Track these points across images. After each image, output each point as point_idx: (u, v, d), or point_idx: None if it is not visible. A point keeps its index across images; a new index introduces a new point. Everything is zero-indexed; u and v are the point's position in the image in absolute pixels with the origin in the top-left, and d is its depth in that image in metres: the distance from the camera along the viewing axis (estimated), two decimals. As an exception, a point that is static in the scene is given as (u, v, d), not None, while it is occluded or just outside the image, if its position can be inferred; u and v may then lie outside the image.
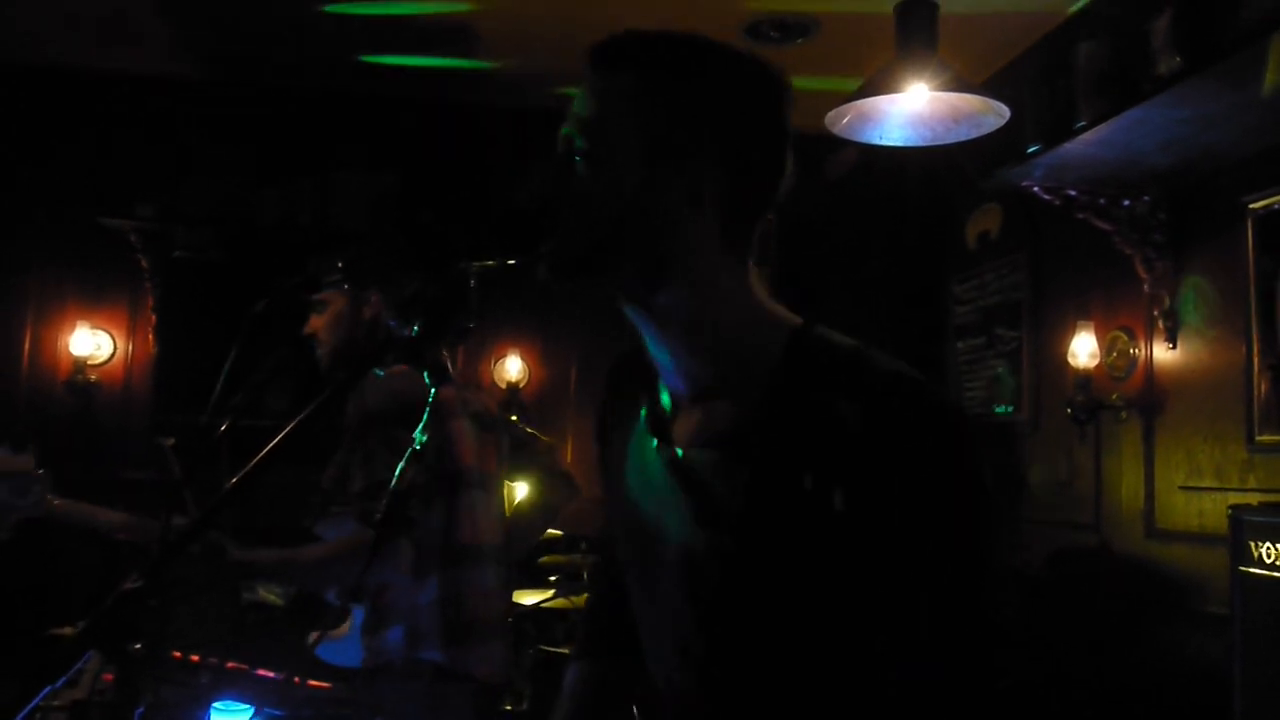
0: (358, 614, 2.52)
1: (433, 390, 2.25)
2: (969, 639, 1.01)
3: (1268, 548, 2.48)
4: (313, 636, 2.72)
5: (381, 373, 2.26)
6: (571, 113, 1.13)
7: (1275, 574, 2.45)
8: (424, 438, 2.18)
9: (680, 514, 1.14)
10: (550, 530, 3.91)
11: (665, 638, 1.19)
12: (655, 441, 1.18)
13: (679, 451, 1.15)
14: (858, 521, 1.00)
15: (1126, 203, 3.38)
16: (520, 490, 2.80)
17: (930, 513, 1.00)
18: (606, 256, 1.10)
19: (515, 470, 2.68)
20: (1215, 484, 3.13)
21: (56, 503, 2.29)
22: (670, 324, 1.13)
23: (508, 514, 2.85)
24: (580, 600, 3.82)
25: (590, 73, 1.13)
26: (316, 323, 2.51)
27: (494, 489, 2.49)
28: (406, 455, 2.11)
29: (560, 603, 3.77)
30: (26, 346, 4.67)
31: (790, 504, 1.03)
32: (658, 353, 1.17)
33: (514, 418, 4.46)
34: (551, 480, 2.73)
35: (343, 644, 2.52)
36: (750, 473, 1.07)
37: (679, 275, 1.10)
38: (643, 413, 1.22)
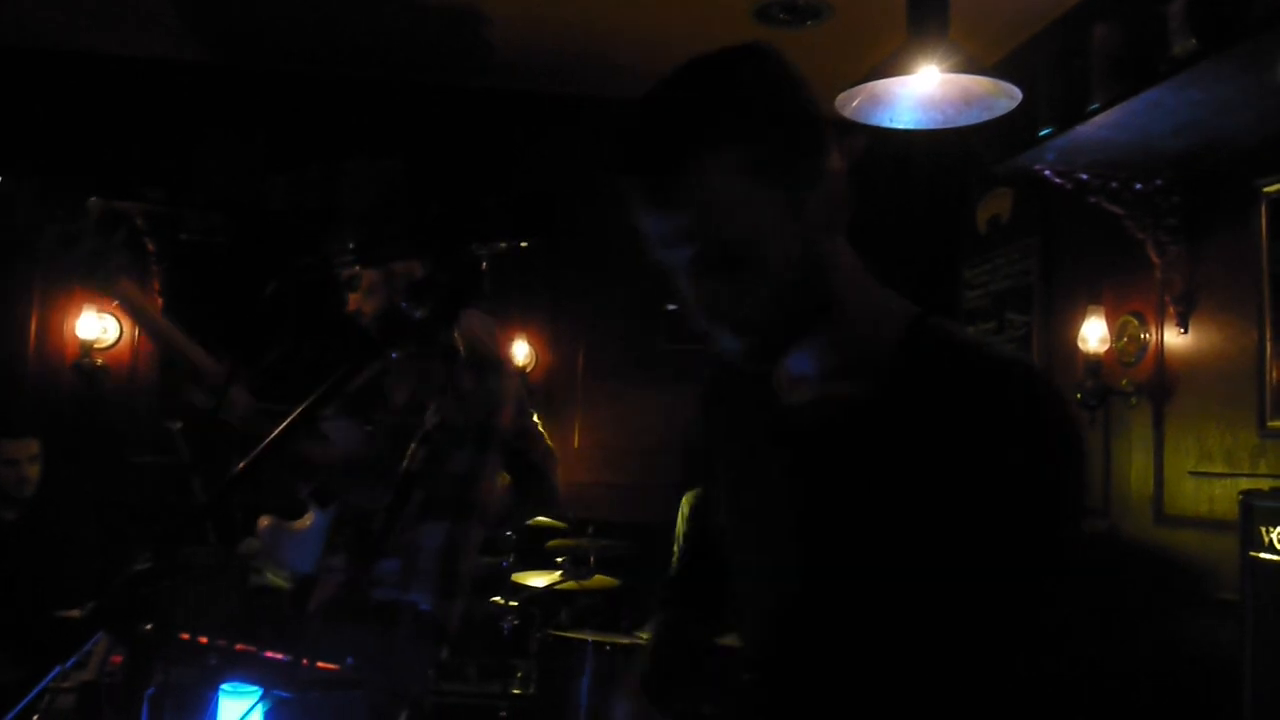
0: (319, 517, 2.50)
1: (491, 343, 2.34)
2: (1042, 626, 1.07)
3: (1279, 533, 2.47)
4: (263, 521, 2.60)
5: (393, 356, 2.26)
6: (671, 222, 1.04)
7: (1287, 560, 2.45)
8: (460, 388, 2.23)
9: (796, 506, 1.15)
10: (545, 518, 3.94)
11: (765, 608, 1.21)
12: (775, 442, 1.19)
13: (799, 441, 1.15)
14: (955, 507, 1.01)
15: (1139, 186, 3.35)
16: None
17: (1020, 502, 1.01)
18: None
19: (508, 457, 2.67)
20: (1226, 469, 3.12)
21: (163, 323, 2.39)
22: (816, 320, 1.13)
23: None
24: (590, 582, 3.82)
25: (675, 170, 1.02)
26: (356, 299, 2.52)
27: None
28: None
29: (569, 585, 3.77)
30: (33, 329, 4.68)
31: (897, 488, 1.04)
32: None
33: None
34: (538, 485, 2.72)
35: (299, 540, 2.49)
36: (865, 455, 1.09)
37: (832, 284, 1.12)
38: (753, 417, 1.23)
